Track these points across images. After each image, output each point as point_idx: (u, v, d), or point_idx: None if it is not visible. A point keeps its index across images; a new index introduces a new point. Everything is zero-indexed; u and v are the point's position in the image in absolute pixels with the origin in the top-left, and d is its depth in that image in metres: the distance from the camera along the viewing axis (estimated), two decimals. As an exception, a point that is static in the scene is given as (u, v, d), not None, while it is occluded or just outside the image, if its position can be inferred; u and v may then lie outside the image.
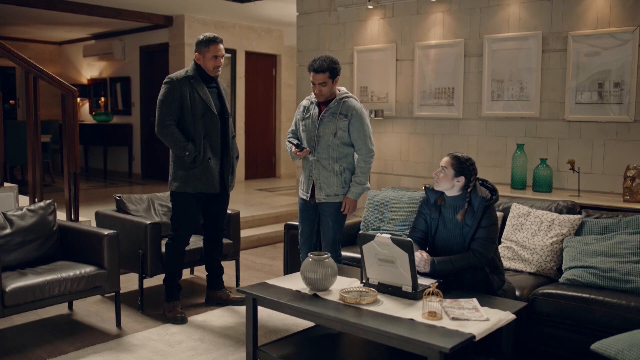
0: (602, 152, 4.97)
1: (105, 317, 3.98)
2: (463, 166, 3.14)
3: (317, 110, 3.77)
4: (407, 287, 2.84)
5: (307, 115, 3.80)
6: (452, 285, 3.04)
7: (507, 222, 3.82)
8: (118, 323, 3.83)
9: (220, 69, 3.97)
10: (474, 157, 5.72)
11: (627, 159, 4.79)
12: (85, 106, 11.67)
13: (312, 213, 3.88)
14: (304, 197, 3.87)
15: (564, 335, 3.10)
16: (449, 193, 3.18)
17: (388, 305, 2.76)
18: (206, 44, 3.87)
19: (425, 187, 3.33)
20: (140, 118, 10.24)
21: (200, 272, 5.06)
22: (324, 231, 3.85)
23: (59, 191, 7.21)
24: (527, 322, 3.18)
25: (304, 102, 3.90)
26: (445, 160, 3.18)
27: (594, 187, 5.00)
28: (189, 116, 3.84)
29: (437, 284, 2.70)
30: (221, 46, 3.93)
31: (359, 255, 3.69)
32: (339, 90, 3.78)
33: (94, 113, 11.13)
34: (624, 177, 4.47)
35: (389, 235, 2.85)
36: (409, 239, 3.00)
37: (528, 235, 3.65)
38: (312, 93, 3.79)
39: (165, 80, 3.91)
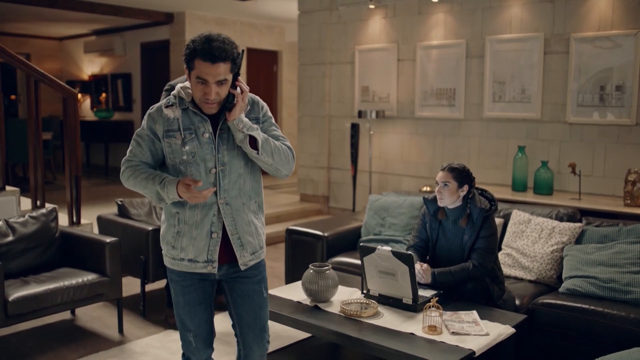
0: (603, 155, 4.96)
1: (108, 323, 4.01)
2: (462, 174, 3.13)
3: (206, 125, 2.23)
4: (408, 300, 2.85)
5: (191, 136, 2.21)
6: (453, 295, 3.05)
7: (508, 229, 3.82)
8: (120, 329, 3.85)
9: None
10: (475, 159, 5.78)
11: (628, 162, 4.78)
12: (87, 102, 11.66)
13: (208, 294, 2.35)
14: (207, 271, 2.25)
15: (563, 346, 3.11)
16: (450, 206, 3.17)
17: (388, 319, 2.78)
18: None
19: (424, 198, 3.32)
20: (142, 114, 10.23)
21: (202, 274, 5.06)
22: (248, 312, 2.34)
23: (60, 189, 7.21)
24: (527, 331, 3.19)
25: (168, 113, 2.22)
26: (443, 175, 3.12)
27: (594, 190, 5.00)
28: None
29: (437, 298, 2.71)
30: None
31: (358, 262, 3.71)
32: None
33: (95, 109, 11.13)
34: (625, 181, 4.46)
35: (390, 248, 2.86)
36: (410, 252, 3.01)
37: (528, 242, 3.66)
38: (183, 96, 2.26)
39: (166, 87, 3.88)
